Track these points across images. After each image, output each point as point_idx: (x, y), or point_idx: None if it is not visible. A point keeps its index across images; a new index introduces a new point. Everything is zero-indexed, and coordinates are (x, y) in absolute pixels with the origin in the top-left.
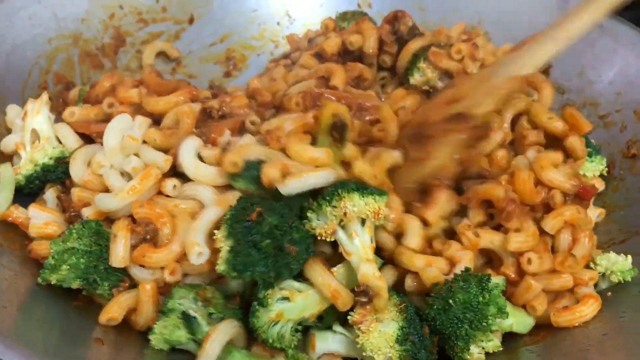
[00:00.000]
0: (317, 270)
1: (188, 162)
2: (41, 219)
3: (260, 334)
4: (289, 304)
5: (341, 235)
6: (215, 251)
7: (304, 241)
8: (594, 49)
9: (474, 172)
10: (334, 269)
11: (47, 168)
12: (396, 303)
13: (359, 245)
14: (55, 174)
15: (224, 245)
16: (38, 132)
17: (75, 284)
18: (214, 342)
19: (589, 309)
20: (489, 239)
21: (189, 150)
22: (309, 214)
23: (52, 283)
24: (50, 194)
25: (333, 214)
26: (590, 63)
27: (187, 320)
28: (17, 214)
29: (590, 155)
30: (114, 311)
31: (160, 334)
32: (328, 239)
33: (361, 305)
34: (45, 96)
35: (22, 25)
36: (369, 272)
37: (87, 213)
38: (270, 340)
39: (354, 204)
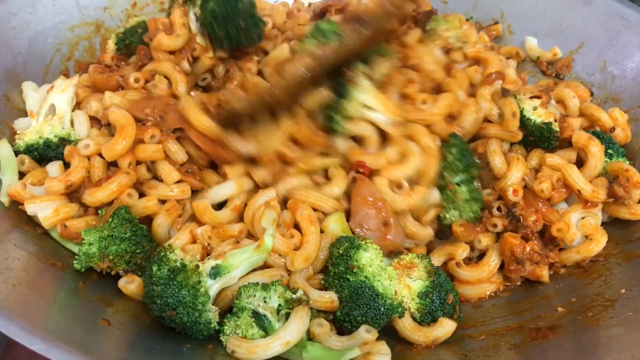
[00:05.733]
0: None
1: None
2: (49, 209)
3: None
4: None
5: None
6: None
7: None
8: (617, 42)
9: None
10: None
11: (48, 144)
12: (427, 266)
13: None
14: (55, 152)
15: None
16: (56, 108)
17: (121, 269)
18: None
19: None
20: None
21: None
22: None
23: (100, 269)
24: (55, 168)
25: None
26: (613, 57)
27: (257, 318)
28: (24, 194)
29: (611, 156)
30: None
31: (233, 334)
32: None
33: None
34: (75, 79)
35: (45, 12)
36: None
37: None
38: None
39: None
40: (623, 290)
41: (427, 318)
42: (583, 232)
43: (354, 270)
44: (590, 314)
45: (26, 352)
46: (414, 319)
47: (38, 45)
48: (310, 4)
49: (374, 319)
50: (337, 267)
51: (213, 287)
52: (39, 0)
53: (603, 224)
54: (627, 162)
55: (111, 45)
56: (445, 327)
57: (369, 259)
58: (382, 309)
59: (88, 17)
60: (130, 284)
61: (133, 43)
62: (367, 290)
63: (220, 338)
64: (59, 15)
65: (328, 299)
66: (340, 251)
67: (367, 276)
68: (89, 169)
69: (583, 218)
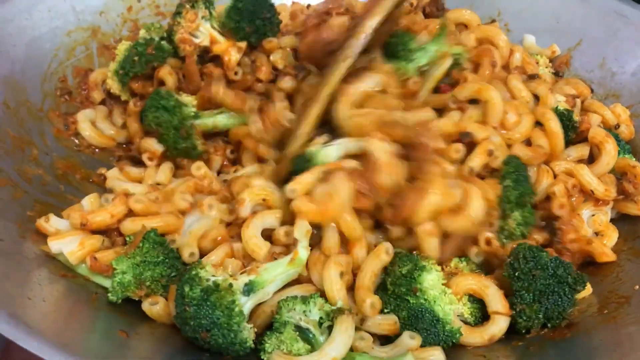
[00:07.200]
0: None
1: None
2: (72, 244)
3: None
4: None
5: None
6: None
7: None
8: (616, 39)
9: None
10: None
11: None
12: (472, 269)
13: None
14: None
15: None
16: None
17: (160, 294)
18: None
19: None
20: None
21: None
22: None
23: (138, 298)
24: (87, 202)
25: None
26: (612, 54)
27: (301, 332)
28: (46, 226)
29: (617, 153)
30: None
31: (276, 351)
32: None
33: None
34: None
35: (41, 17)
36: None
37: None
38: None
39: None
40: (637, 287)
41: (480, 320)
42: (594, 229)
43: (416, 293)
44: (606, 311)
45: (24, 353)
46: (469, 323)
47: (35, 51)
48: (308, 6)
49: (432, 345)
50: (398, 288)
51: (246, 304)
52: (35, 6)
53: (611, 220)
54: (633, 159)
55: (111, 83)
56: (499, 324)
57: (432, 281)
58: (442, 335)
59: (84, 22)
60: (155, 306)
61: (138, 73)
62: (427, 314)
63: (262, 357)
64: (55, 20)
65: (391, 321)
66: (403, 272)
67: (427, 299)
68: (117, 217)
69: (593, 215)
